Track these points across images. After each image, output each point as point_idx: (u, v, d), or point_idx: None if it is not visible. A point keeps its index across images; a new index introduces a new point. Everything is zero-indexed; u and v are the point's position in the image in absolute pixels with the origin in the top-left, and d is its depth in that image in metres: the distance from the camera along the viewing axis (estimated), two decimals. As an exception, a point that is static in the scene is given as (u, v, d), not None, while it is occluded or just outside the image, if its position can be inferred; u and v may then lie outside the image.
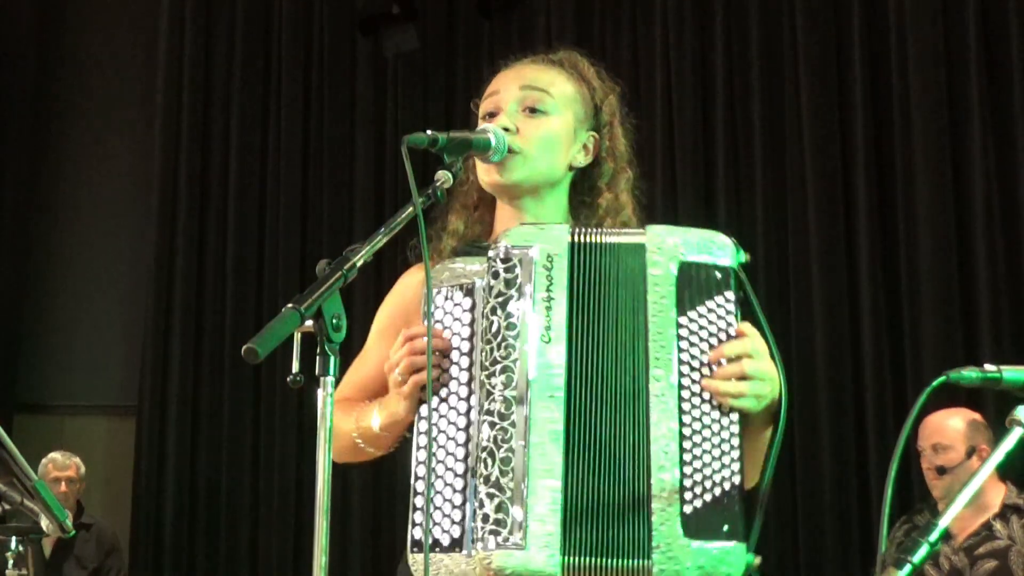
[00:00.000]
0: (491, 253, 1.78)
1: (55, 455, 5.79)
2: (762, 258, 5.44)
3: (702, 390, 1.72)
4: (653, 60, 5.85)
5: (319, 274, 1.58)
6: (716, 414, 1.72)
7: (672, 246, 1.77)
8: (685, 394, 1.72)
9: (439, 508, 1.72)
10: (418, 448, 1.76)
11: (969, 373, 1.65)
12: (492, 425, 1.71)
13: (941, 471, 3.95)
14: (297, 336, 1.54)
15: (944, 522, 1.55)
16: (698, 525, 1.68)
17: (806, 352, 5.27)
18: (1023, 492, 3.96)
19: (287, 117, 6.77)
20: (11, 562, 3.75)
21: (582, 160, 2.03)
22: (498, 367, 1.72)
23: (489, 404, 1.72)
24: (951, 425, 3.99)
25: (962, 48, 5.15)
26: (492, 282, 1.76)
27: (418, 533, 1.71)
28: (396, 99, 6.65)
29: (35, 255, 7.09)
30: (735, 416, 1.73)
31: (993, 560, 3.84)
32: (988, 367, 1.66)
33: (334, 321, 1.55)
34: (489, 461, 1.70)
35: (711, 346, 1.74)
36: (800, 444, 5.18)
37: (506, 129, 1.94)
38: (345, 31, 6.74)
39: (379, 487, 6.09)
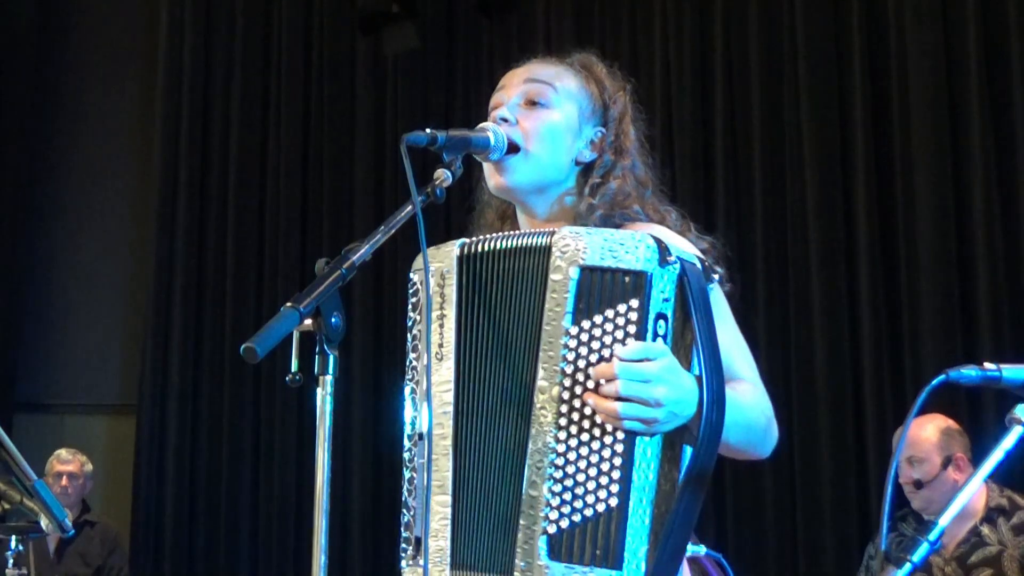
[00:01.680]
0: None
1: (62, 451, 5.81)
2: (761, 259, 5.44)
3: (584, 405, 1.63)
4: (652, 59, 5.85)
5: (318, 273, 1.58)
6: (598, 431, 1.61)
7: (574, 249, 1.66)
8: (565, 409, 1.63)
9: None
10: None
11: (969, 372, 1.64)
12: (404, 448, 1.78)
13: (918, 485, 3.82)
14: (296, 335, 1.54)
15: (944, 520, 1.54)
16: (562, 546, 1.61)
17: (805, 352, 5.26)
18: (1005, 490, 3.86)
19: (287, 116, 6.77)
20: (11, 561, 3.75)
21: (588, 155, 1.98)
22: (407, 388, 1.77)
23: (408, 427, 1.78)
24: (924, 436, 3.85)
25: (962, 46, 5.14)
26: (408, 309, 1.82)
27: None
28: (396, 98, 6.65)
29: (35, 253, 7.09)
30: (622, 435, 1.60)
31: (987, 568, 3.74)
32: (988, 365, 1.65)
33: (333, 320, 1.55)
34: (406, 482, 1.76)
35: (603, 359, 1.63)
36: (799, 444, 5.17)
37: (504, 120, 1.92)
38: (345, 30, 6.75)
39: (379, 486, 6.09)
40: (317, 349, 1.56)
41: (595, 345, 1.64)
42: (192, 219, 6.73)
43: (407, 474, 1.75)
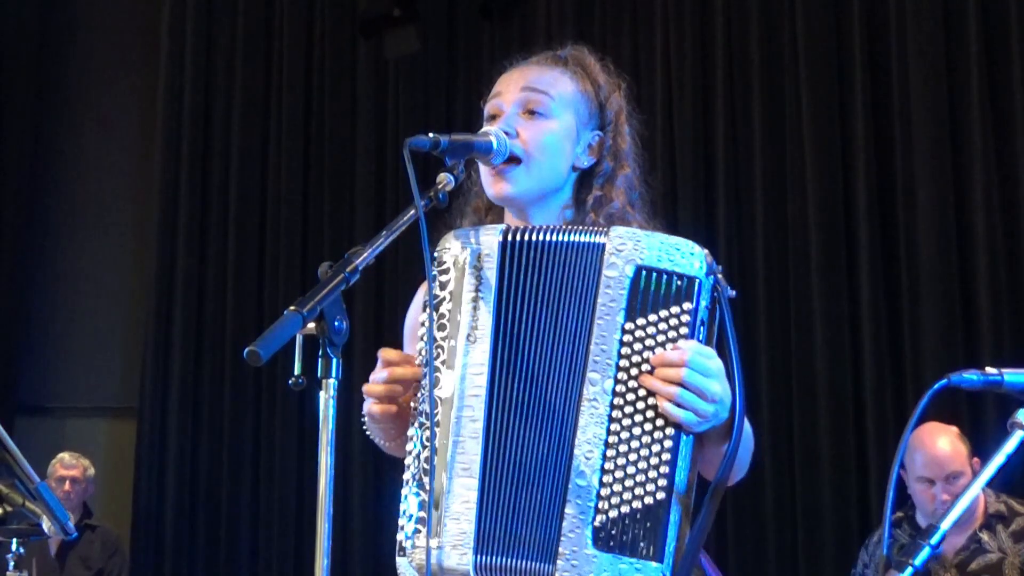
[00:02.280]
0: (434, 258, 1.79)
1: (64, 455, 5.81)
2: (762, 261, 5.44)
3: (637, 399, 1.67)
4: (654, 62, 5.85)
5: (321, 277, 1.57)
6: (649, 426, 1.66)
7: (632, 249, 1.71)
8: (618, 401, 1.67)
9: (403, 513, 1.75)
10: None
11: (970, 376, 1.65)
12: (421, 425, 1.73)
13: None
14: (299, 338, 1.54)
15: (946, 524, 1.54)
16: (610, 536, 1.63)
17: (806, 358, 5.26)
18: (1001, 496, 3.85)
19: (288, 119, 6.77)
20: (12, 564, 3.75)
21: (586, 161, 1.98)
22: (429, 368, 1.74)
23: (420, 405, 1.74)
24: (957, 450, 3.82)
25: (963, 50, 5.14)
26: (432, 287, 1.78)
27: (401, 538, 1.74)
28: (397, 101, 6.66)
29: (37, 257, 7.10)
30: (671, 431, 1.65)
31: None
32: (989, 370, 1.65)
33: (336, 323, 1.55)
34: (417, 461, 1.72)
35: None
36: (799, 448, 5.17)
37: (507, 133, 1.90)
38: (346, 33, 6.75)
39: (380, 486, 6.09)
40: (320, 353, 1.56)
41: (649, 343, 1.69)
42: (193, 223, 6.73)
43: (418, 453, 1.72)
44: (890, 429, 5.02)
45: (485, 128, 1.93)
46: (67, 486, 5.68)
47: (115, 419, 6.95)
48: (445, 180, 1.78)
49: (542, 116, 1.94)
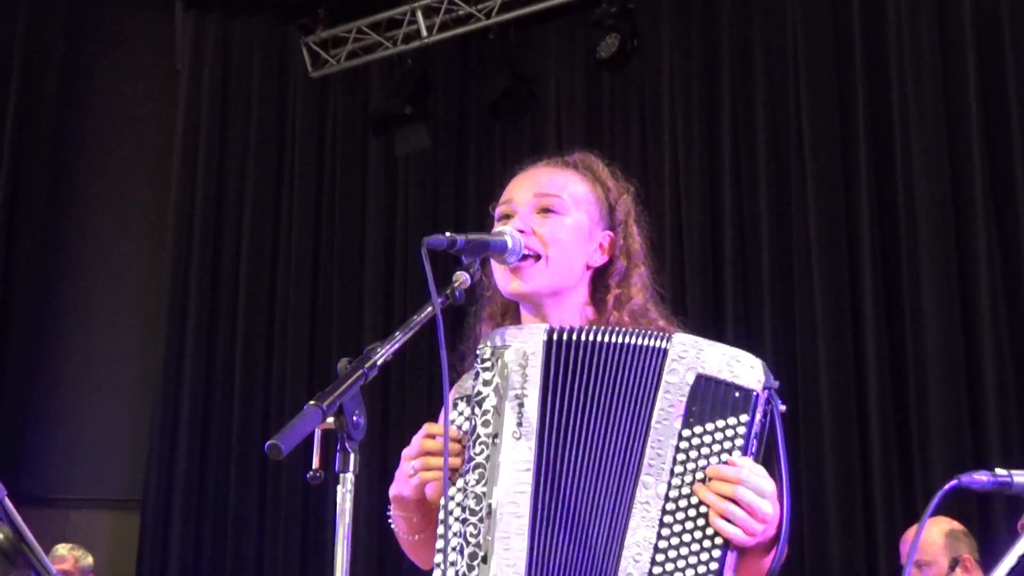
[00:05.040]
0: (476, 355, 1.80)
1: (59, 547, 5.75)
2: (769, 358, 5.44)
3: (689, 506, 1.67)
4: (662, 163, 5.93)
5: (340, 372, 1.59)
6: (699, 534, 1.66)
7: (694, 357, 1.73)
8: (670, 507, 1.67)
9: None
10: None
11: (980, 477, 1.66)
12: (464, 522, 1.72)
13: None
14: (317, 432, 1.55)
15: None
16: None
17: (814, 454, 5.25)
18: None
19: (299, 212, 6.85)
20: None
21: (598, 259, 1.99)
22: (472, 463, 1.73)
23: (463, 500, 1.73)
24: (930, 540, 3.85)
25: (967, 154, 5.21)
26: (474, 383, 1.79)
27: None
28: (407, 197, 6.74)
29: (42, 348, 7.11)
30: (719, 541, 1.65)
31: None
32: (999, 471, 1.66)
33: (354, 418, 1.56)
34: (460, 558, 1.71)
35: (709, 466, 1.68)
36: (810, 551, 5.13)
37: (521, 231, 1.92)
38: (357, 130, 6.86)
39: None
40: (338, 447, 1.58)
41: (705, 451, 1.69)
42: (202, 316, 6.76)
43: (460, 548, 1.71)
44: (899, 526, 4.98)
45: (499, 227, 1.95)
46: (59, 582, 5.61)
47: (119, 511, 6.91)
48: (462, 278, 1.79)
49: (556, 215, 1.97)
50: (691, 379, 1.72)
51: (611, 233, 2.02)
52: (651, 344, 1.76)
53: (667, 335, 1.77)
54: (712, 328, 5.39)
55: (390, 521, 1.93)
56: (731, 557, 1.67)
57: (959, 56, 5.27)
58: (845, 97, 5.55)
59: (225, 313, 6.79)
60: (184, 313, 6.76)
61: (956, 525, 3.95)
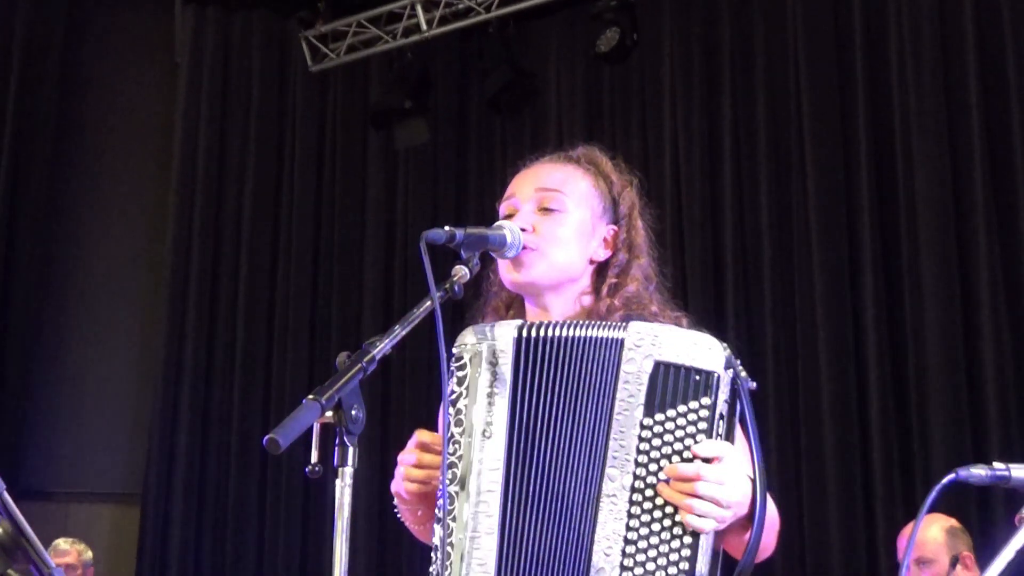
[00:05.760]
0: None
1: (59, 541, 5.75)
2: (770, 351, 5.45)
3: (656, 495, 1.67)
4: (663, 156, 5.93)
5: (339, 366, 1.59)
6: (668, 522, 1.66)
7: (650, 344, 1.73)
8: (637, 498, 1.67)
9: None
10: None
11: (978, 471, 1.66)
12: (438, 520, 1.74)
13: None
14: (316, 427, 1.55)
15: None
16: None
17: (815, 455, 5.25)
18: None
19: (298, 207, 6.85)
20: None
21: (602, 254, 2.00)
22: (446, 463, 1.75)
23: (440, 500, 1.75)
24: (930, 537, 3.83)
25: (967, 136, 5.20)
26: (450, 382, 1.79)
27: None
28: (406, 191, 6.74)
29: (43, 342, 7.11)
30: (689, 529, 1.67)
31: None
32: (997, 465, 1.66)
33: (353, 412, 1.57)
34: (436, 556, 1.73)
35: (676, 452, 1.68)
36: (810, 538, 5.13)
37: (523, 229, 1.93)
38: (357, 124, 6.85)
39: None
40: (337, 441, 1.58)
41: (668, 438, 1.69)
42: (201, 309, 6.77)
43: (439, 549, 1.73)
44: (899, 519, 4.99)
45: (500, 222, 1.96)
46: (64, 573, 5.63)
47: (119, 505, 6.92)
48: (461, 273, 1.80)
49: (558, 212, 1.98)
50: (649, 367, 1.72)
51: (615, 227, 2.03)
52: (607, 335, 1.76)
53: (624, 325, 1.77)
54: (712, 320, 5.39)
55: (397, 513, 1.94)
56: (706, 540, 1.68)
57: (959, 42, 5.26)
58: (845, 90, 5.55)
59: (225, 306, 6.79)
60: (184, 306, 6.76)
61: (954, 522, 3.94)
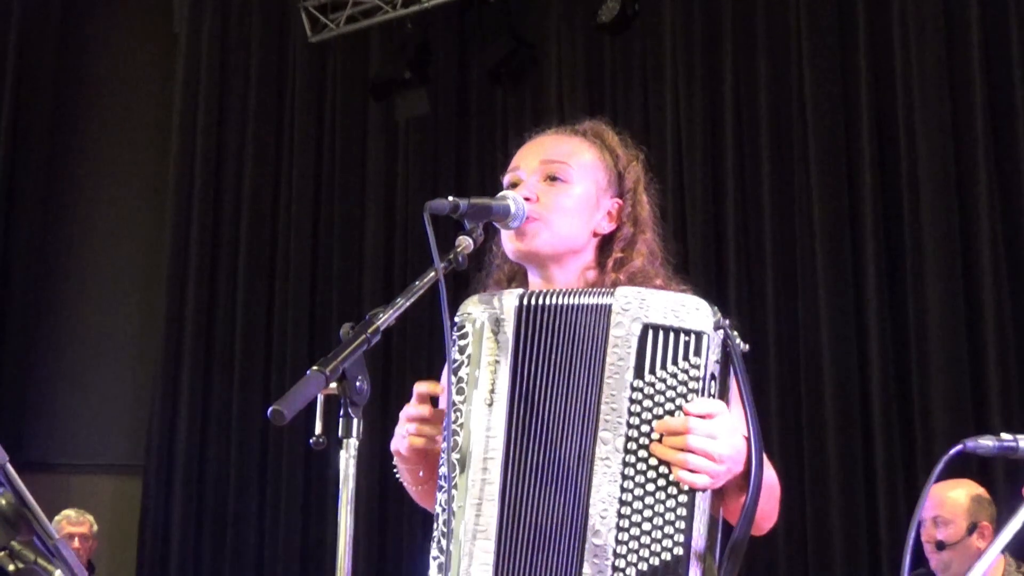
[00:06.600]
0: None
1: (69, 511, 5.79)
2: (772, 326, 5.45)
3: (649, 456, 1.68)
4: (664, 128, 5.90)
5: (343, 337, 1.58)
6: (663, 482, 1.67)
7: (637, 307, 1.74)
8: (630, 459, 1.68)
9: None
10: None
11: (986, 442, 1.65)
12: (440, 488, 1.75)
13: (940, 546, 3.78)
14: (320, 398, 1.55)
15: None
16: None
17: (816, 431, 5.25)
18: (1022, 565, 3.77)
19: (298, 179, 6.83)
20: (17, 623, 3.73)
21: (606, 227, 2.00)
22: (448, 431, 1.75)
23: (441, 468, 1.75)
24: (953, 498, 3.82)
25: (970, 131, 5.17)
26: (452, 351, 1.80)
27: None
28: (407, 162, 6.72)
29: (43, 314, 7.12)
30: (684, 486, 1.67)
31: None
32: (1004, 436, 1.66)
33: (357, 384, 1.56)
34: (437, 524, 1.74)
35: (668, 412, 1.69)
36: (812, 521, 5.14)
37: (527, 199, 1.92)
38: (357, 95, 6.82)
39: (384, 543, 6.07)
40: (341, 412, 1.57)
41: (659, 399, 1.70)
42: (202, 280, 6.77)
43: (441, 516, 1.74)
44: (900, 493, 5.00)
45: (504, 192, 1.95)
46: (75, 543, 5.65)
47: (121, 477, 6.94)
48: (465, 243, 1.80)
49: (563, 182, 1.97)
50: (637, 329, 1.73)
51: (619, 201, 2.02)
52: (595, 301, 1.78)
53: (611, 291, 1.78)
54: (714, 292, 5.39)
55: (396, 474, 1.95)
56: (702, 500, 1.68)
57: (962, 18, 5.23)
58: (848, 62, 5.52)
59: (225, 277, 6.79)
60: (184, 278, 6.76)
61: (982, 491, 3.89)
